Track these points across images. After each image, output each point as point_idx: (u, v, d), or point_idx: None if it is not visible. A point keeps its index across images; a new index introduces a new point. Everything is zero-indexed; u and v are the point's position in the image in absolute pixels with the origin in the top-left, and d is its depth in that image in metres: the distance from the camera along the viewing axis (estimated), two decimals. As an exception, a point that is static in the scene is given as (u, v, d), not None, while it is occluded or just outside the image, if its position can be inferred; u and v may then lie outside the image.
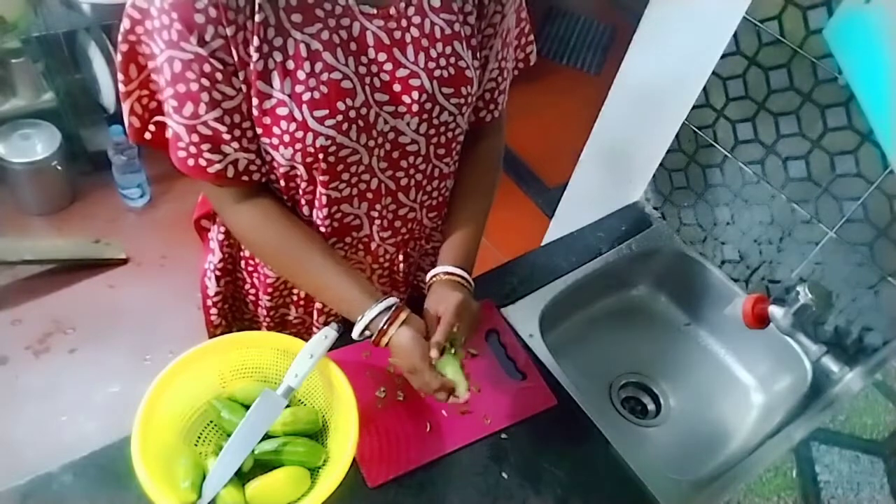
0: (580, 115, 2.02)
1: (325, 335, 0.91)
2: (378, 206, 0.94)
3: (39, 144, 2.22)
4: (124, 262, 2.28)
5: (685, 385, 1.34)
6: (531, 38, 1.02)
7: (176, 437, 0.89)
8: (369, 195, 0.92)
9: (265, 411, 0.88)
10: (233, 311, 1.16)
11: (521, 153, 2.93)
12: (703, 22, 1.25)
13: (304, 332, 1.14)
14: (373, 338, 0.87)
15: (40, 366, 1.99)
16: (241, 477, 0.87)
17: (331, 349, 0.91)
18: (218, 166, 0.82)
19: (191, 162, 0.81)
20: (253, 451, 0.87)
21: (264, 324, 1.12)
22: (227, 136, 0.80)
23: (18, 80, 2.22)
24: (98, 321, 2.11)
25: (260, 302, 1.09)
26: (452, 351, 0.89)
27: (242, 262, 1.07)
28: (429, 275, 0.96)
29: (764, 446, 1.15)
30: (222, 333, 1.14)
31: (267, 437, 0.89)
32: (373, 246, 0.99)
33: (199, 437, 0.92)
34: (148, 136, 0.85)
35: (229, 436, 0.87)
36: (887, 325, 1.12)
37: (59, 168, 2.27)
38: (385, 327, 0.85)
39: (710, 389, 1.34)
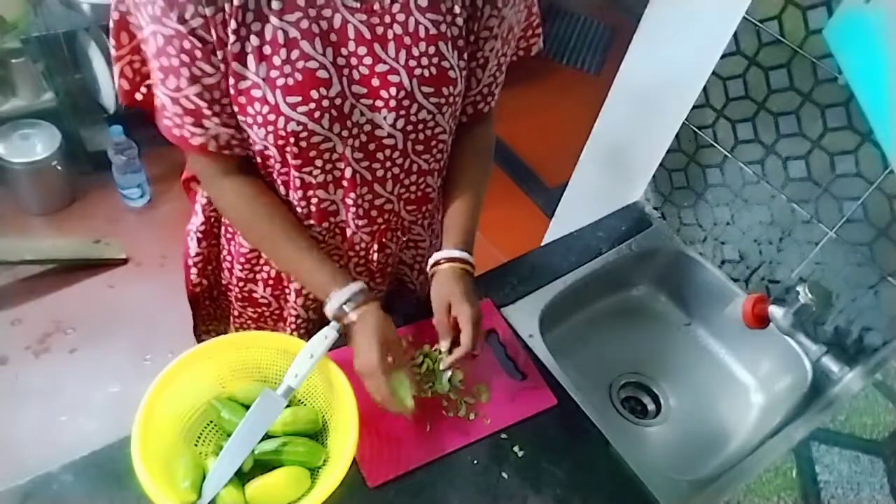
0: (580, 115, 2.01)
1: (325, 335, 0.91)
2: (353, 195, 0.95)
3: (39, 144, 2.22)
4: (124, 262, 2.28)
5: (685, 385, 1.34)
6: (538, 31, 1.02)
7: (176, 437, 0.89)
8: (344, 183, 0.93)
9: (265, 411, 0.88)
10: (214, 274, 1.18)
11: (521, 153, 2.92)
12: (703, 22, 1.25)
13: (270, 316, 1.15)
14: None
15: (40, 366, 1.99)
16: (241, 477, 0.87)
17: (331, 349, 0.91)
18: (200, 139, 0.84)
19: (176, 132, 0.84)
20: (253, 451, 0.87)
21: (233, 294, 1.14)
22: (207, 112, 0.82)
23: (18, 80, 2.22)
24: (98, 321, 2.11)
25: (234, 270, 1.10)
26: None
27: (222, 228, 1.09)
28: (431, 259, 0.98)
29: (764, 446, 1.15)
30: (202, 293, 1.18)
31: (267, 437, 0.89)
32: (348, 233, 1.01)
33: (199, 437, 0.92)
34: (139, 96, 0.88)
35: (229, 436, 0.87)
36: (887, 325, 1.12)
37: (59, 168, 2.27)
38: (348, 311, 0.89)
39: (710, 389, 1.34)
